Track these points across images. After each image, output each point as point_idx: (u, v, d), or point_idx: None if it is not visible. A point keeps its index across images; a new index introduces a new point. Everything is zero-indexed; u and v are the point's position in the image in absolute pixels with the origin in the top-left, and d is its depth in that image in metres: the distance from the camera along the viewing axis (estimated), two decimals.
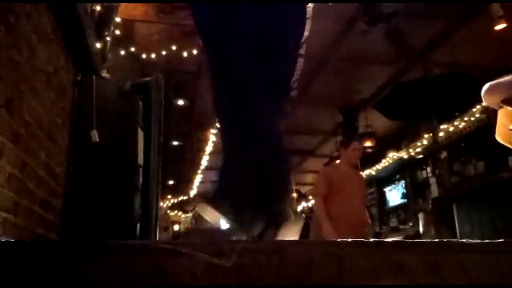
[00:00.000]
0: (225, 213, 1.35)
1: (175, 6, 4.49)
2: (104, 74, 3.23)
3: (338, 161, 3.88)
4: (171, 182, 11.73)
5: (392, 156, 7.92)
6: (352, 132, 6.62)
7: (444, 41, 5.26)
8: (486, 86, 2.17)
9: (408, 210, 7.91)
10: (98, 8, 2.99)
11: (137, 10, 4.49)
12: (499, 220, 3.33)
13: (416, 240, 0.75)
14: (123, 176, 3.48)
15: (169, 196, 12.63)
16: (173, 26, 4.81)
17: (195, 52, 5.15)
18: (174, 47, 4.98)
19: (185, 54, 5.09)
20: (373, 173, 8.59)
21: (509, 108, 2.07)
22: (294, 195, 12.23)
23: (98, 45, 2.97)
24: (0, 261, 0.57)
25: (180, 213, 12.31)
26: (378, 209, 8.96)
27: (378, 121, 6.94)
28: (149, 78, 3.65)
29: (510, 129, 2.05)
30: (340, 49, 5.35)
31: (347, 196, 3.54)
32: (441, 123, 6.55)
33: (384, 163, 8.17)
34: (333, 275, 0.66)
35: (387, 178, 8.78)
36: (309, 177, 13.04)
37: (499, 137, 2.17)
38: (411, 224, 7.32)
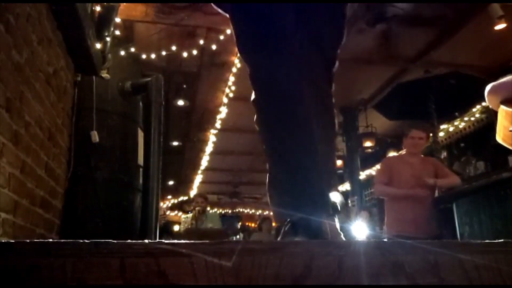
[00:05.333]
0: None
1: (174, 7, 4.49)
2: (104, 74, 3.23)
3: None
4: (171, 182, 11.72)
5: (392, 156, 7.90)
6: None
7: (444, 41, 5.25)
8: (489, 87, 2.15)
9: None
10: (98, 8, 2.99)
11: (137, 10, 4.49)
12: (499, 220, 3.32)
13: (416, 240, 0.75)
14: (123, 176, 3.49)
15: (169, 197, 12.63)
16: (173, 26, 4.81)
17: (195, 52, 5.15)
18: (174, 47, 4.98)
19: (185, 54, 5.09)
20: (373, 173, 8.59)
21: (508, 108, 2.06)
22: None
23: (98, 45, 2.97)
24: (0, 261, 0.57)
25: (180, 213, 12.32)
26: (379, 209, 8.96)
27: (378, 121, 6.94)
28: (149, 78, 3.65)
29: (511, 131, 2.03)
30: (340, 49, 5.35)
31: (405, 184, 3.55)
32: (441, 123, 6.55)
33: None
34: (333, 275, 0.66)
35: None
36: None
37: (499, 138, 2.16)
38: None
